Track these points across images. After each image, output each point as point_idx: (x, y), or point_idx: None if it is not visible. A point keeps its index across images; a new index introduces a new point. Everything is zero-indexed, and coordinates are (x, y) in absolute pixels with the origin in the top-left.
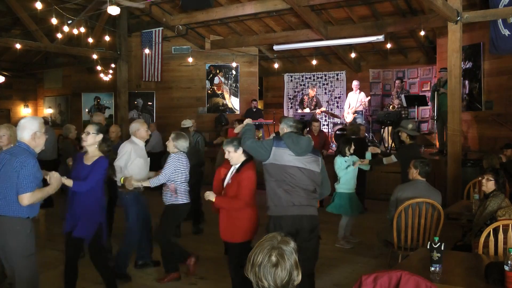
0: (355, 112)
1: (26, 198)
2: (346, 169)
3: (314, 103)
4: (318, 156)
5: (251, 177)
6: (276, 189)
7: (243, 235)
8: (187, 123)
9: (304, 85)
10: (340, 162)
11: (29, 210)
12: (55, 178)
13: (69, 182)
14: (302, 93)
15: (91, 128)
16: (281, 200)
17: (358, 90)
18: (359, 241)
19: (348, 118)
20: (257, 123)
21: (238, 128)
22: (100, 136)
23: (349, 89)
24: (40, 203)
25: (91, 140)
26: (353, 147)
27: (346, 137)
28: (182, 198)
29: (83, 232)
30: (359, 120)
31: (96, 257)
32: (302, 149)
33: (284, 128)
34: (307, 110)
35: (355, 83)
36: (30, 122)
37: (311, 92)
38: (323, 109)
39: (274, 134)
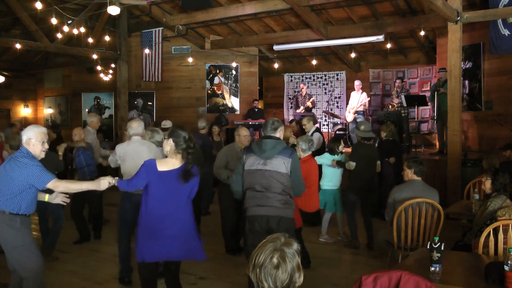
0: (356, 112)
1: (52, 184)
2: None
3: (307, 99)
4: (288, 158)
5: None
6: (247, 191)
7: None
8: (168, 123)
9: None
10: (327, 158)
11: (17, 207)
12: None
13: None
14: (296, 94)
15: None
16: (249, 201)
17: (361, 90)
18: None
19: (349, 118)
20: (257, 123)
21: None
22: None
23: (349, 89)
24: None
25: None
26: (342, 144)
27: (336, 136)
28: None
29: None
30: (360, 120)
31: None
32: (264, 151)
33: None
34: (301, 108)
35: (357, 83)
36: (29, 128)
37: (304, 90)
38: (311, 101)
39: None
